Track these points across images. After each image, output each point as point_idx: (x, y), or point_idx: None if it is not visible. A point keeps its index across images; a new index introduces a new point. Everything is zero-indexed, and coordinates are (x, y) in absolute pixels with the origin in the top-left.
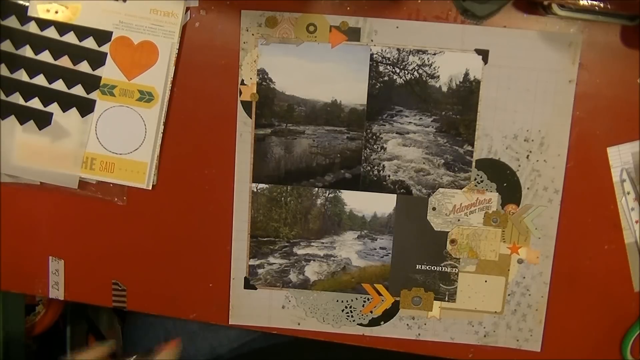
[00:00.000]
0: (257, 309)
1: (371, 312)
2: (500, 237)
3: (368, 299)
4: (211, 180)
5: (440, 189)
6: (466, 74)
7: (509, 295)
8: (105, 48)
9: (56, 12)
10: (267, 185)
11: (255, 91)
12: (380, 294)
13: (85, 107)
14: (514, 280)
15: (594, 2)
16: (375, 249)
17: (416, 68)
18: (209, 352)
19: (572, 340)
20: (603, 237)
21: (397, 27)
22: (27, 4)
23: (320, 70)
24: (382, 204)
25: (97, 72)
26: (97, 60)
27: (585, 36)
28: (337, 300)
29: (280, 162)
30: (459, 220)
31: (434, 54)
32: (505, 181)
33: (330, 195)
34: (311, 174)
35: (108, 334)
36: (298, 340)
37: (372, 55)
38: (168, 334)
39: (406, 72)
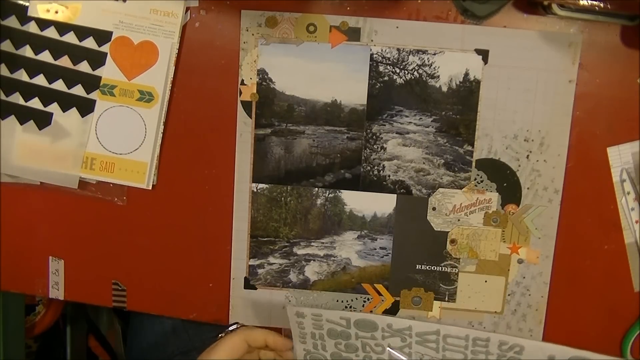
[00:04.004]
0: (257, 309)
1: (371, 312)
2: (500, 237)
3: (368, 299)
4: (211, 180)
5: (440, 189)
6: (466, 74)
7: (509, 295)
8: (105, 48)
9: (56, 12)
10: (267, 185)
11: (255, 91)
12: (380, 294)
13: (85, 107)
14: (514, 280)
15: (594, 2)
16: (375, 249)
17: (416, 68)
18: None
19: (572, 340)
20: (603, 237)
21: (397, 27)
22: (27, 4)
23: (320, 70)
24: (382, 204)
25: (97, 72)
26: (97, 60)
27: (585, 36)
28: (337, 300)
29: (280, 162)
30: (459, 220)
31: (434, 54)
32: (505, 181)
33: (330, 195)
34: (311, 174)
35: (108, 334)
36: None
37: (372, 55)
38: (170, 333)
39: (406, 72)
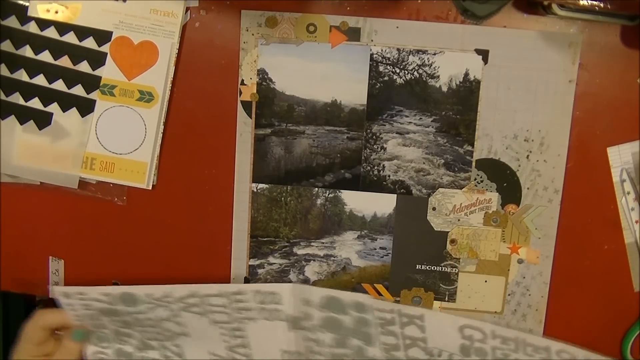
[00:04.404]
0: None
1: None
2: (500, 237)
3: None
4: (211, 180)
5: (440, 189)
6: (466, 74)
7: (509, 295)
8: (105, 48)
9: (56, 12)
10: (267, 185)
11: (255, 91)
12: (380, 294)
13: (85, 107)
14: (514, 280)
15: (594, 2)
16: (375, 249)
17: (416, 68)
18: None
19: (572, 340)
20: (603, 237)
21: (397, 27)
22: (27, 4)
23: (320, 70)
24: (382, 204)
25: (97, 72)
26: (97, 60)
27: (585, 36)
28: None
29: (280, 162)
30: (459, 220)
31: (434, 54)
32: (505, 181)
33: (330, 195)
34: (311, 174)
35: None
36: None
37: (372, 55)
38: None
39: (406, 72)
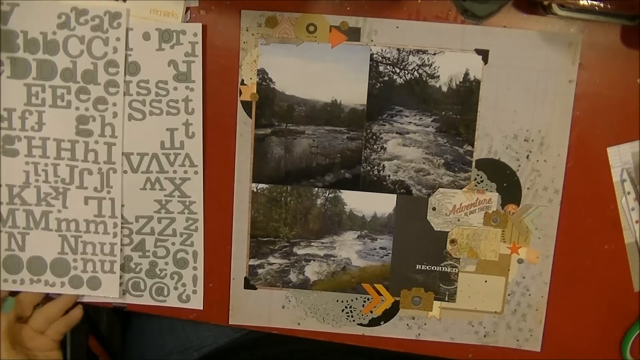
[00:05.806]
0: (257, 309)
1: (371, 312)
2: (500, 237)
3: (368, 299)
4: (211, 180)
5: (440, 189)
6: (466, 74)
7: (509, 295)
8: None
9: None
10: (267, 185)
11: (255, 91)
12: (380, 294)
13: None
14: (514, 280)
15: (594, 2)
16: (375, 249)
17: (416, 68)
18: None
19: (572, 340)
20: (603, 237)
21: (397, 27)
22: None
23: (320, 70)
24: (382, 204)
25: None
26: None
27: (585, 36)
28: (337, 300)
29: (280, 162)
30: (459, 220)
31: (434, 54)
32: (505, 181)
33: (330, 195)
34: (311, 174)
35: (108, 334)
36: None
37: (372, 55)
38: (169, 332)
39: (406, 72)
